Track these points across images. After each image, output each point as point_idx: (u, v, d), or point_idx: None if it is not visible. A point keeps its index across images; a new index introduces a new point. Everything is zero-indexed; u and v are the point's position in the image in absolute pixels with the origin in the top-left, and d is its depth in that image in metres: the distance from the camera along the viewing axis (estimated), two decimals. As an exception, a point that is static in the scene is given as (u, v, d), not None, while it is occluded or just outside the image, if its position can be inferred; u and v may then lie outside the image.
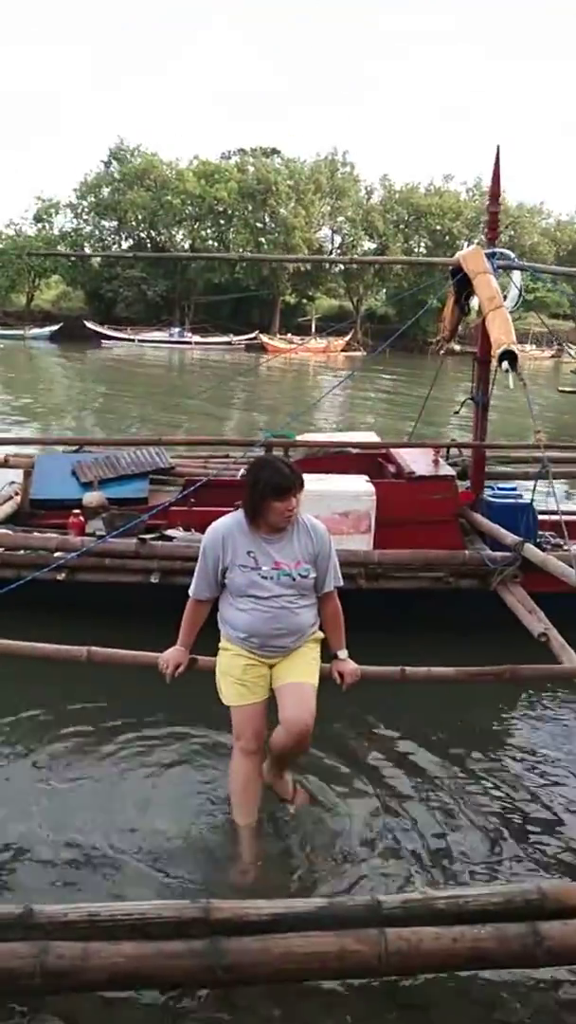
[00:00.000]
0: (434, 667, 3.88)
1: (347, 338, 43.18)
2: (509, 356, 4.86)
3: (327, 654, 3.51)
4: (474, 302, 5.97)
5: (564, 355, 42.89)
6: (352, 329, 43.26)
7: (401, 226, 50.38)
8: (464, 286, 5.82)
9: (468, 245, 39.46)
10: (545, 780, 4.03)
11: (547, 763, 4.19)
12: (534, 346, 44.36)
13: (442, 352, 6.70)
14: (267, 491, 3.22)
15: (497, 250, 5.69)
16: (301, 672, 3.35)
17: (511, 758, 4.25)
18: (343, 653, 3.53)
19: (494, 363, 5.16)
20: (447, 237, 48.52)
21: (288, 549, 3.33)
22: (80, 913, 2.60)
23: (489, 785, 3.96)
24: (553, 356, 44.30)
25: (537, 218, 53.32)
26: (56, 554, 5.18)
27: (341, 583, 3.50)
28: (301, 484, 3.27)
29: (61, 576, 5.13)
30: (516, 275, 5.94)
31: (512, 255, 5.89)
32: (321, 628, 3.50)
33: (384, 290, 49.89)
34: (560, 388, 20.97)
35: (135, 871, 3.20)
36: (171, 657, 3.42)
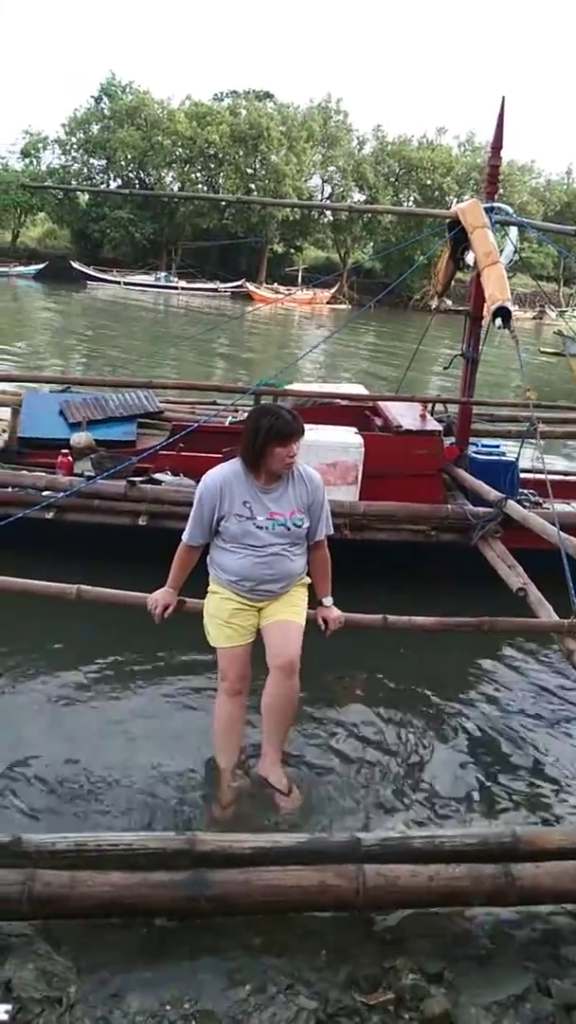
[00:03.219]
0: (416, 616, 3.95)
1: (333, 290, 42.70)
2: (503, 312, 4.87)
3: (313, 601, 3.56)
4: (469, 257, 5.92)
5: (546, 316, 42.83)
6: (338, 282, 42.76)
7: (392, 179, 49.60)
8: (460, 240, 5.77)
9: (457, 201, 38.99)
10: (520, 729, 4.16)
11: (522, 713, 4.31)
12: (517, 307, 44.14)
13: (433, 306, 6.67)
14: (270, 436, 3.24)
15: (495, 204, 5.64)
16: (289, 612, 3.42)
17: (489, 707, 4.36)
18: (328, 600, 3.60)
19: (487, 319, 5.15)
20: (436, 192, 47.84)
21: (284, 499, 3.36)
22: (68, 843, 2.66)
23: (467, 732, 4.09)
24: (535, 317, 44.16)
25: (527, 177, 52.59)
26: (44, 493, 5.16)
27: (332, 532, 3.55)
28: (302, 430, 3.31)
29: (50, 515, 5.12)
30: (512, 232, 5.90)
31: (510, 210, 5.84)
32: (308, 575, 3.55)
33: (372, 244, 49.30)
34: (542, 349, 20.93)
35: (122, 804, 3.28)
36: (160, 598, 3.47)
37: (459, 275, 6.37)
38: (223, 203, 44.86)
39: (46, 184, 44.13)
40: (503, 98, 5.50)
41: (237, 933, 2.62)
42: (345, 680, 4.40)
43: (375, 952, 2.62)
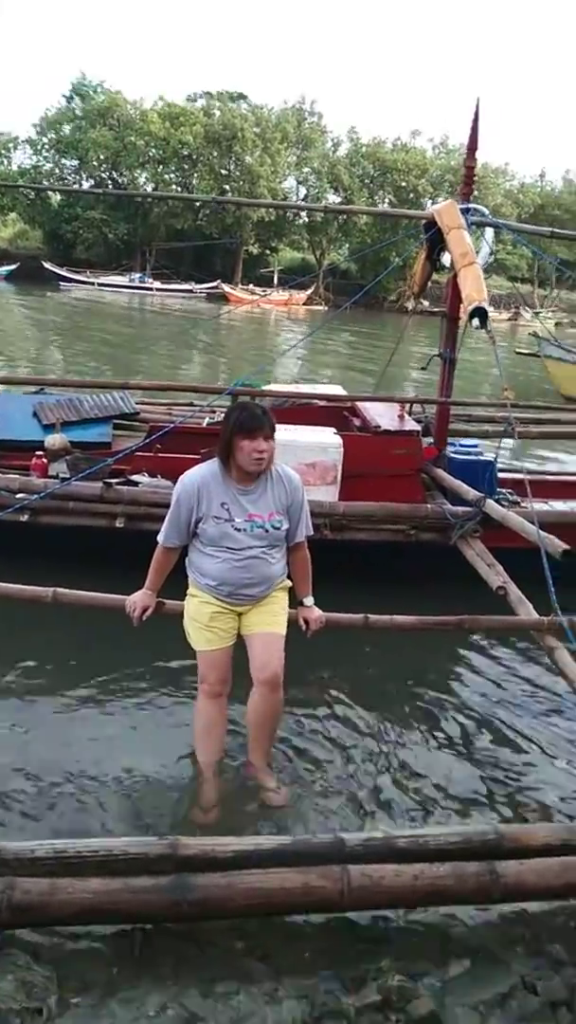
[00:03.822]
0: (396, 615, 3.95)
1: (309, 291, 42.77)
2: (480, 313, 4.88)
3: (294, 601, 3.56)
4: (445, 258, 5.94)
5: (520, 317, 43.18)
6: (314, 283, 42.83)
7: (366, 180, 49.71)
8: (437, 241, 5.78)
9: (432, 203, 39.18)
10: (501, 726, 4.16)
11: (504, 711, 4.31)
12: (492, 308, 44.38)
13: (410, 307, 6.68)
14: (236, 429, 3.23)
15: (471, 206, 5.65)
16: (270, 622, 3.40)
17: (470, 706, 4.36)
18: (309, 600, 3.59)
19: (463, 320, 5.16)
20: (411, 195, 48.05)
21: (262, 500, 3.34)
22: (47, 849, 2.62)
23: (449, 731, 4.08)
24: (510, 319, 44.49)
25: (501, 179, 52.99)
26: (18, 496, 5.09)
27: (312, 533, 3.54)
28: (272, 428, 3.27)
29: (24, 517, 5.05)
30: (488, 232, 5.92)
31: (486, 211, 5.86)
32: (289, 576, 3.54)
33: (347, 245, 49.41)
34: (517, 350, 21.07)
35: (102, 808, 3.23)
36: (139, 600, 3.44)
37: (435, 276, 6.38)
38: (197, 204, 44.72)
39: (18, 184, 43.74)
40: (478, 99, 5.52)
41: (221, 937, 2.60)
42: (326, 680, 4.38)
43: (360, 953, 2.61)
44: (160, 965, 2.49)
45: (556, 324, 38.36)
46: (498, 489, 5.86)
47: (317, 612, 3.58)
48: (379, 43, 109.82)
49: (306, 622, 3.55)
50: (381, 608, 3.94)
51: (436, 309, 6.88)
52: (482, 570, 4.77)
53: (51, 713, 3.93)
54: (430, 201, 45.02)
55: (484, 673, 4.72)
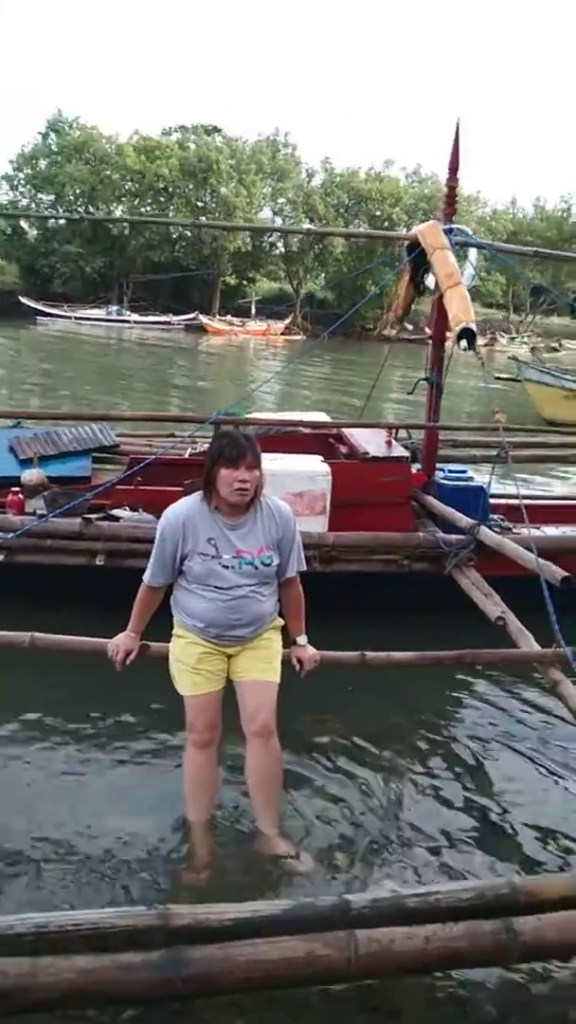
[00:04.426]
0: (393, 652, 3.78)
1: (287, 321, 42.98)
2: (467, 334, 4.77)
3: (286, 639, 3.37)
4: (430, 280, 5.85)
5: (497, 343, 43.52)
6: (292, 312, 43.05)
7: (341, 210, 50.20)
8: (420, 263, 5.69)
9: (406, 231, 39.45)
10: (508, 767, 3.96)
11: (510, 750, 4.11)
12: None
13: (393, 332, 6.59)
14: (218, 458, 3.06)
15: (455, 226, 5.57)
16: (263, 669, 3.21)
17: (474, 746, 4.15)
18: (302, 639, 3.41)
19: (451, 341, 5.05)
20: (386, 223, 48.53)
21: (251, 536, 3.16)
22: (26, 925, 2.38)
23: (452, 775, 3.86)
24: (486, 344, 44.82)
25: (474, 206, 53.69)
26: (-6, 535, 4.89)
27: (304, 568, 3.36)
28: (256, 456, 3.08)
29: (0, 557, 4.84)
30: (472, 253, 5.84)
31: (469, 232, 5.78)
32: (280, 613, 3.36)
33: (324, 274, 49.77)
34: (496, 375, 21.15)
35: (85, 876, 2.98)
36: (121, 643, 3.25)
37: (414, 304, 6.28)
38: (174, 236, 44.94)
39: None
40: (458, 119, 5.47)
41: (219, 1016, 2.38)
42: (320, 722, 4.16)
43: (370, 1026, 2.40)
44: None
45: (532, 349, 38.69)
46: (490, 515, 5.72)
47: (311, 651, 3.39)
48: (352, 73, 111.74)
49: (300, 662, 3.36)
50: (375, 642, 3.76)
51: (415, 336, 6.79)
52: (479, 600, 4.60)
53: (27, 769, 3.68)
54: (405, 229, 45.47)
55: (486, 709, 4.53)
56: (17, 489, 5.43)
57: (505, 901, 2.64)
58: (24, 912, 2.39)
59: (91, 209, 47.17)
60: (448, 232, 5.43)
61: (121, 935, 2.41)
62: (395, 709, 4.41)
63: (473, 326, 4.74)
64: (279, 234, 48.74)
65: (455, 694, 4.68)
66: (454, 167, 5.58)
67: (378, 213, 49.08)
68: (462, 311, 4.82)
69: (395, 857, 3.18)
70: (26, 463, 5.83)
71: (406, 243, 5.84)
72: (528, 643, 4.06)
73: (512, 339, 23.76)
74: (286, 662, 3.32)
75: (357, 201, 49.97)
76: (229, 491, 3.05)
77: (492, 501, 6.04)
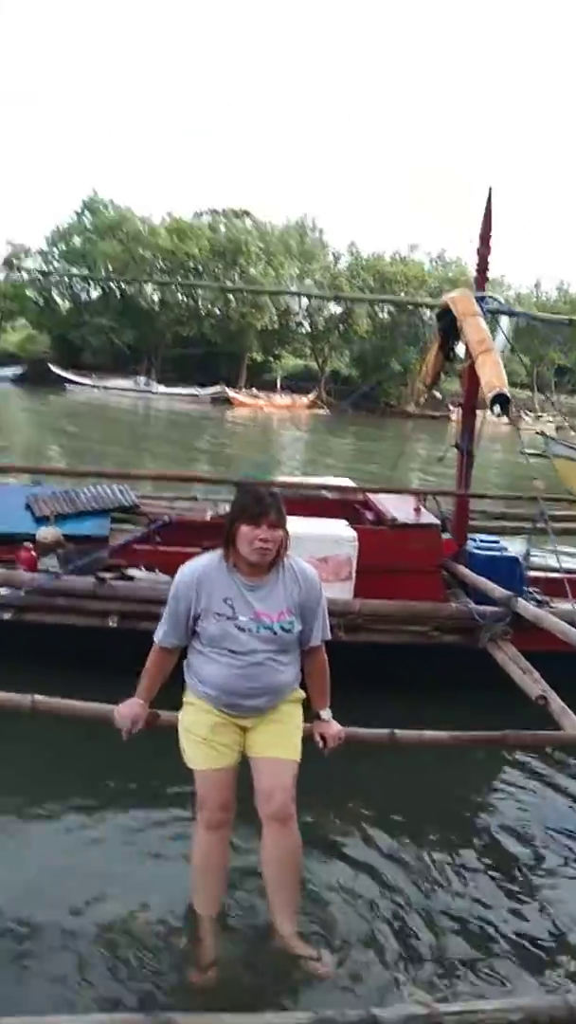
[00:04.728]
0: (425, 731, 3.47)
1: (312, 396, 43.44)
2: (501, 399, 4.61)
3: (307, 713, 3.09)
4: (460, 348, 5.74)
5: (522, 421, 43.58)
6: (317, 388, 43.58)
7: (366, 291, 51.22)
8: (450, 331, 5.58)
9: (431, 314, 40.15)
10: (554, 864, 3.57)
11: (554, 844, 3.73)
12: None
13: (422, 400, 6.46)
14: (238, 513, 2.87)
15: (486, 294, 5.47)
16: (282, 747, 2.93)
17: (514, 838, 3.78)
18: (326, 713, 3.13)
19: (484, 409, 4.88)
20: (409, 306, 49.42)
21: (272, 597, 2.93)
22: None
23: (492, 871, 3.48)
24: (510, 423, 44.96)
25: (498, 289, 54.59)
26: (1, 591, 4.67)
27: (329, 637, 3.10)
28: (280, 514, 2.88)
29: (8, 615, 4.62)
30: (504, 322, 5.72)
31: (501, 300, 5.67)
32: (302, 685, 3.08)
33: (348, 352, 50.50)
34: (521, 451, 21.06)
35: (79, 971, 2.64)
36: (128, 711, 2.97)
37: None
38: (203, 313, 45.91)
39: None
40: (490, 189, 5.45)
41: None
42: (344, 805, 3.82)
43: None
44: None
45: (557, 428, 38.69)
46: (524, 588, 5.44)
47: (336, 727, 3.10)
48: (378, 161, 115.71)
49: (323, 739, 3.07)
50: (402, 719, 3.47)
51: (439, 413, 6.65)
52: (516, 677, 4.30)
53: (20, 844, 3.36)
54: (429, 312, 46.26)
55: (526, 794, 4.17)
56: (29, 544, 5.23)
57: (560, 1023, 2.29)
58: (5, 1014, 2.07)
59: (122, 285, 48.47)
60: (480, 300, 5.33)
61: (113, 1050, 2.09)
62: (427, 793, 4.07)
63: (507, 391, 4.57)
64: (305, 314, 49.64)
65: (492, 778, 4.33)
66: (486, 236, 5.53)
67: (402, 295, 50.03)
68: (495, 377, 4.67)
69: (428, 964, 2.81)
70: (42, 520, 5.65)
71: (436, 311, 5.74)
72: (572, 723, 3.74)
73: (537, 417, 23.70)
74: (307, 738, 3.04)
75: (382, 284, 50.96)
76: (249, 550, 2.85)
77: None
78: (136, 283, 44.89)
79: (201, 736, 2.90)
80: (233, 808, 2.89)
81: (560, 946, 2.99)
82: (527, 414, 39.50)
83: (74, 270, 48.44)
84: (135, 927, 2.89)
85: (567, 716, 3.78)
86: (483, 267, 5.70)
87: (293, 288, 51.54)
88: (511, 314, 5.93)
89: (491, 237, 5.60)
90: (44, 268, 48.19)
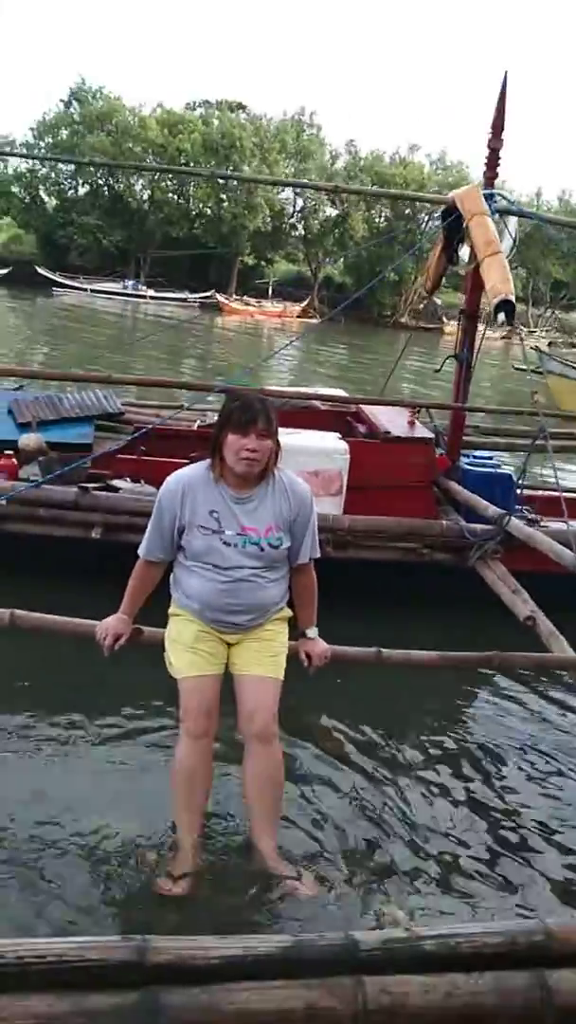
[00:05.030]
0: (413, 650, 3.40)
1: (304, 304, 42.48)
2: (507, 307, 4.38)
3: (294, 632, 3.01)
4: (464, 251, 5.46)
5: (514, 337, 42.88)
6: (309, 296, 42.57)
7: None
8: (455, 231, 5.29)
9: (428, 219, 38.96)
10: (541, 787, 3.56)
11: (542, 764, 3.72)
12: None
13: (423, 306, 6.20)
14: (225, 421, 2.74)
15: (496, 191, 5.15)
16: (265, 665, 2.85)
17: (500, 758, 3.77)
18: (312, 631, 3.06)
19: (487, 314, 4.65)
20: (408, 210, 47.87)
21: (259, 512, 2.81)
22: (-21, 952, 2.04)
23: (476, 792, 3.46)
24: (503, 338, 44.28)
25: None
26: (-19, 499, 4.52)
27: (319, 555, 3.00)
28: (269, 424, 2.73)
29: (-13, 525, 4.49)
30: (512, 223, 5.42)
31: (511, 198, 5.32)
32: (289, 602, 2.99)
33: (343, 259, 49.18)
34: (515, 366, 20.72)
35: (53, 892, 2.60)
36: (111, 626, 2.89)
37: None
38: (193, 212, 44.41)
39: (14, 152, 43.09)
40: (505, 74, 5.04)
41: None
42: (327, 725, 3.78)
43: None
44: None
45: (549, 344, 38.14)
46: (517, 506, 5.33)
47: (322, 645, 3.04)
48: (379, 55, 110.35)
49: (308, 657, 3.01)
50: (388, 636, 3.43)
51: (432, 325, 6.38)
52: (505, 597, 4.23)
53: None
54: (427, 216, 44.86)
55: (512, 716, 4.15)
56: (10, 452, 5.05)
57: (538, 948, 2.27)
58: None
59: (111, 181, 46.64)
60: (489, 198, 5.02)
61: (90, 970, 2.05)
62: (411, 711, 4.05)
63: (512, 298, 4.34)
64: (299, 217, 48.01)
65: (476, 698, 4.31)
66: (498, 127, 5.15)
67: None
68: (501, 281, 4.43)
69: (407, 886, 2.80)
70: (24, 427, 5.47)
71: (440, 209, 5.43)
72: (560, 646, 3.70)
73: (531, 333, 23.27)
74: (293, 656, 2.97)
75: (380, 185, 49.19)
76: (235, 460, 2.71)
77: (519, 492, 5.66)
78: (124, 170, 43.21)
79: (187, 644, 2.83)
80: (216, 718, 2.83)
81: (540, 872, 2.99)
82: (522, 329, 38.87)
83: (61, 166, 46.50)
84: (111, 845, 2.85)
85: (556, 638, 3.74)
86: (493, 161, 5.32)
87: (288, 189, 49.75)
88: (522, 215, 5.61)
89: (503, 129, 5.22)
90: (28, 162, 46.18)
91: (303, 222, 48.84)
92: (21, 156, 45.03)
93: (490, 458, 5.73)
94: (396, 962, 2.12)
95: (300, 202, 49.93)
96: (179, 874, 2.70)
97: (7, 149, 41.95)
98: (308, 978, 2.03)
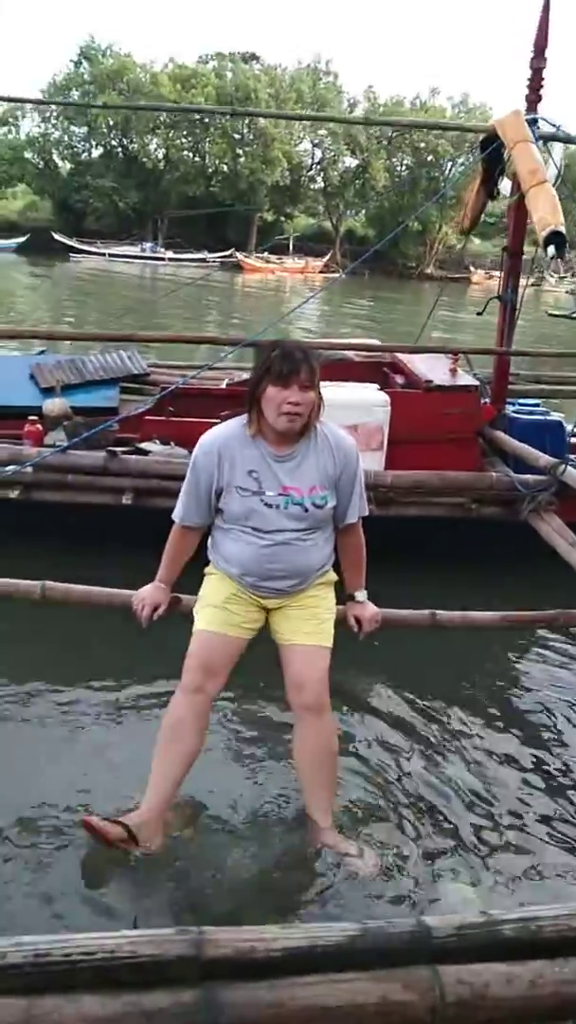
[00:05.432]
0: (470, 611, 3.20)
1: (326, 259, 41.72)
2: (557, 239, 4.06)
3: (340, 595, 2.82)
4: (505, 185, 5.12)
5: (545, 283, 41.81)
6: (331, 250, 41.78)
7: (384, 142, 48.23)
8: (495, 162, 4.95)
9: (451, 165, 37.88)
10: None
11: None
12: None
13: (460, 246, 5.87)
14: (265, 373, 2.51)
15: (540, 116, 4.78)
16: (310, 632, 2.66)
17: (571, 724, 3.54)
18: (361, 595, 2.87)
19: (539, 245, 4.32)
20: (430, 157, 46.59)
21: (302, 470, 2.60)
22: (24, 952, 1.87)
23: (548, 761, 3.24)
24: (533, 284, 43.23)
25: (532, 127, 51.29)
26: (8, 468, 4.35)
27: (367, 513, 2.79)
28: (312, 375, 2.51)
29: (14, 494, 4.33)
30: (557, 151, 5.06)
31: (557, 123, 4.94)
32: (335, 565, 2.80)
33: (365, 211, 48.15)
34: (549, 312, 20.13)
35: (81, 880, 2.43)
36: (148, 596, 2.73)
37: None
38: (210, 170, 43.64)
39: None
40: (548, -11, 4.63)
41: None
42: (381, 693, 3.58)
43: None
44: None
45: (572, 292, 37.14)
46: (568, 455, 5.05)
47: (372, 609, 2.85)
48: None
49: (358, 621, 2.83)
50: (439, 598, 3.21)
51: (458, 275, 6.04)
52: (563, 550, 4.00)
53: (24, 745, 3.10)
54: (450, 162, 43.60)
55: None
56: (35, 418, 4.88)
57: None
58: (19, 934, 1.89)
59: (125, 142, 45.92)
60: (532, 124, 4.67)
61: (144, 967, 1.91)
62: (469, 678, 3.83)
63: (563, 228, 4.02)
64: (318, 169, 46.96)
65: (534, 657, 4.09)
66: (540, 46, 4.75)
67: (423, 145, 47.08)
68: (550, 212, 4.09)
69: (478, 865, 2.60)
70: (48, 392, 5.28)
71: (480, 139, 5.08)
72: (627, 602, 3.46)
73: (561, 278, 22.55)
74: (341, 622, 2.78)
75: (400, 132, 47.91)
76: (276, 415, 2.50)
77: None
78: (140, 111, 42.36)
79: (216, 602, 2.66)
80: (219, 681, 2.61)
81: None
82: (552, 275, 37.83)
83: (74, 128, 45.87)
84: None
85: (622, 593, 3.50)
86: (536, 84, 4.89)
87: (305, 138, 48.59)
88: (569, 141, 5.19)
89: (547, 46, 4.82)
90: (41, 126, 45.62)
91: (322, 174, 47.82)
92: (38, 103, 44.07)
93: (537, 405, 5.45)
94: (473, 950, 1.95)
95: (319, 153, 48.90)
96: (135, 830, 2.43)
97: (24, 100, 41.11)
98: (377, 969, 1.88)
